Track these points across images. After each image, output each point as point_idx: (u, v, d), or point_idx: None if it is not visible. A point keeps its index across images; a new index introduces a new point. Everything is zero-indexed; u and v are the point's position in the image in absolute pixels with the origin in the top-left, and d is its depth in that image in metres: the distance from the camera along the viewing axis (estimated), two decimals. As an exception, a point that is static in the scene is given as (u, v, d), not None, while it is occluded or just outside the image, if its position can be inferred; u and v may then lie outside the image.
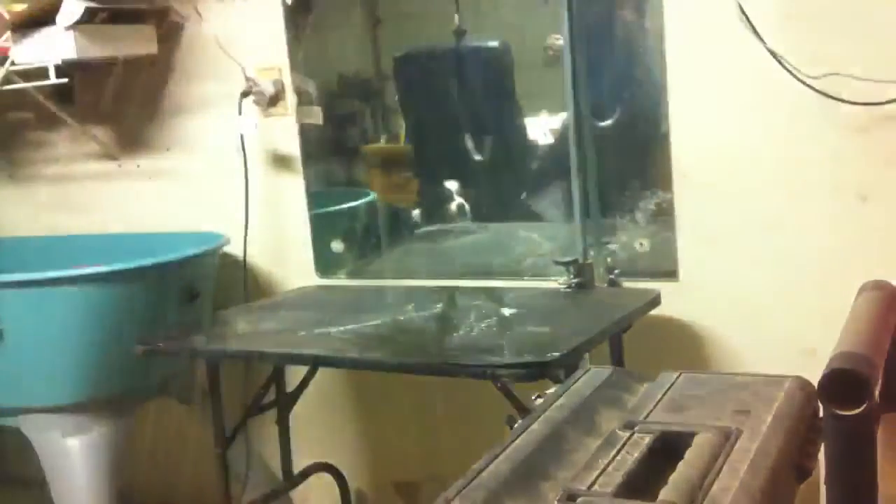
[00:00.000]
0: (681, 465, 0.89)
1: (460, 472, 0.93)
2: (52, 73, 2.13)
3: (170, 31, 2.35)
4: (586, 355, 1.68)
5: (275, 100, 2.24)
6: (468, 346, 1.59)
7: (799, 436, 1.00)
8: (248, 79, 2.21)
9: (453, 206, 2.17)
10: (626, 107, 1.96)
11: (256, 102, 2.24)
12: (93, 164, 2.57)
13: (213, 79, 2.32)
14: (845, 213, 1.73)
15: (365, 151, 2.26)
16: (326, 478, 2.31)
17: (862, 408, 0.82)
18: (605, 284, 1.94)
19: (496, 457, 0.95)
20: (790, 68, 1.70)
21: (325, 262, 2.29)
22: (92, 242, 2.51)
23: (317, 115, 2.23)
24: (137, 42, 2.26)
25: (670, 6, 1.81)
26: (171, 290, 2.07)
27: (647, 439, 0.97)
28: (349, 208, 2.31)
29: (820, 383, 0.84)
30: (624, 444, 0.97)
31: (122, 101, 2.49)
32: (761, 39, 1.71)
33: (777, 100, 1.74)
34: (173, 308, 2.08)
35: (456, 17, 2.02)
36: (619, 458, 0.94)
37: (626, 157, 1.97)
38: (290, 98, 2.24)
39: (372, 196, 2.26)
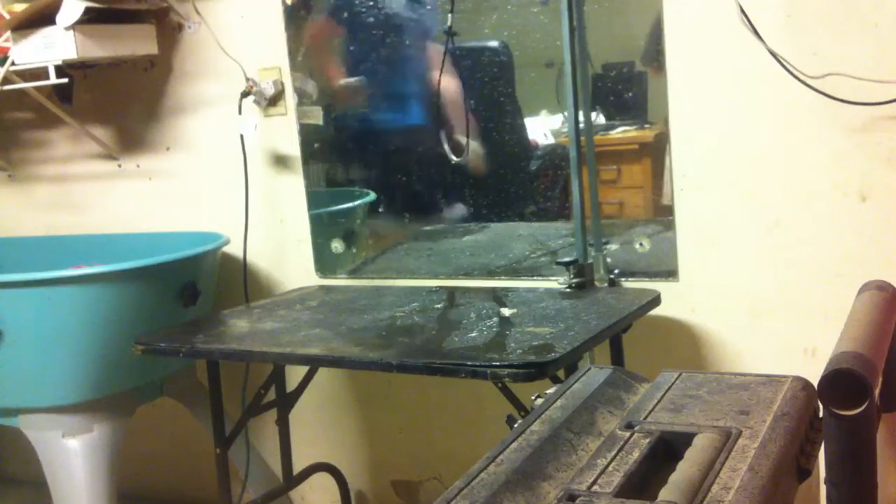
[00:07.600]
0: (681, 465, 0.89)
1: (460, 472, 0.93)
2: (52, 73, 2.14)
3: (170, 31, 2.35)
4: (586, 355, 1.68)
5: (275, 100, 2.24)
6: (468, 346, 1.59)
7: (799, 436, 0.99)
8: (248, 79, 2.21)
9: (453, 206, 2.17)
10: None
11: (256, 102, 2.24)
12: (93, 164, 2.57)
13: (213, 79, 2.32)
14: (845, 213, 1.73)
15: (364, 151, 2.26)
16: (326, 478, 2.31)
17: (862, 408, 0.82)
18: (605, 284, 1.94)
19: (496, 457, 0.95)
20: (790, 68, 1.70)
21: (325, 262, 2.29)
22: (92, 242, 2.51)
23: (317, 115, 2.23)
24: (137, 42, 2.27)
25: (670, 6, 1.81)
26: (171, 290, 2.07)
27: (647, 439, 0.97)
28: (349, 208, 2.30)
29: (820, 383, 0.84)
30: (624, 445, 0.96)
31: (122, 101, 2.49)
32: (761, 40, 1.71)
33: (777, 100, 1.74)
34: (173, 308, 2.08)
35: (449, 17, 2.01)
36: (619, 458, 0.94)
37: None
38: (290, 98, 2.24)
39: (372, 196, 2.25)
